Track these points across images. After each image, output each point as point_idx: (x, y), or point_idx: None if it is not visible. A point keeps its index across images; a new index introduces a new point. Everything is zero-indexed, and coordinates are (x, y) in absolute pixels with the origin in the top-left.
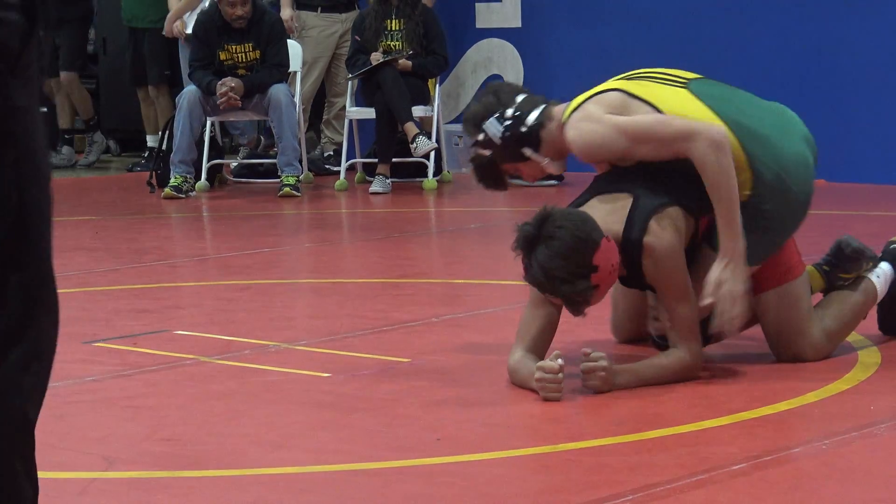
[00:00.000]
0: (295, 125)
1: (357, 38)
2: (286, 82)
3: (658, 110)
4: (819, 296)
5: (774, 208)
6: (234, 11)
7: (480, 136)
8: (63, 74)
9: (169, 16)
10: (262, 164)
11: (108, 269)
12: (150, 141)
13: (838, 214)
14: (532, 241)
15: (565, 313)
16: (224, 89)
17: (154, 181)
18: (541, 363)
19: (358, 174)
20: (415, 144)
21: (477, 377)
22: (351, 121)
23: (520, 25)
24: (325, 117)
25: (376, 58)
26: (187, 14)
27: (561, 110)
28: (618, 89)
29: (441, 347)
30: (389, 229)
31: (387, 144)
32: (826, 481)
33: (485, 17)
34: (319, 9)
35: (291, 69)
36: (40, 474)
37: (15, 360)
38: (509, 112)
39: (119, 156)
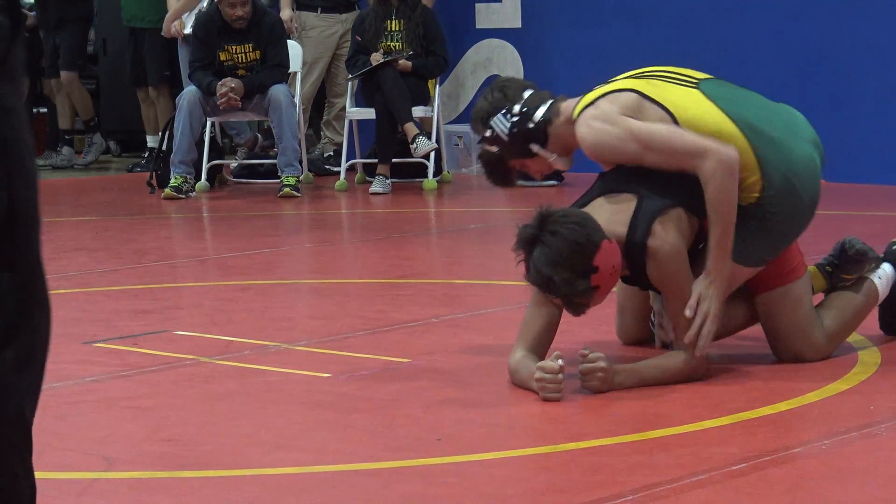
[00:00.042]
0: (295, 126)
1: (358, 38)
2: (286, 83)
3: (671, 114)
4: (820, 296)
5: (781, 211)
6: (234, 12)
7: (488, 133)
8: (63, 74)
9: (167, 16)
10: (262, 165)
11: (108, 270)
12: (151, 141)
13: (839, 215)
14: (532, 241)
15: (566, 313)
16: (224, 90)
17: (154, 182)
18: (541, 363)
19: (358, 175)
20: (415, 145)
21: (477, 377)
22: (351, 121)
23: (520, 26)
24: (325, 118)
25: (376, 58)
26: (186, 14)
27: (569, 106)
28: (632, 90)
29: (441, 348)
30: (389, 230)
31: (387, 145)
32: (826, 481)
33: (485, 17)
34: (319, 9)
35: (291, 70)
36: (40, 475)
37: (10, 361)
38: (516, 108)
39: (119, 156)
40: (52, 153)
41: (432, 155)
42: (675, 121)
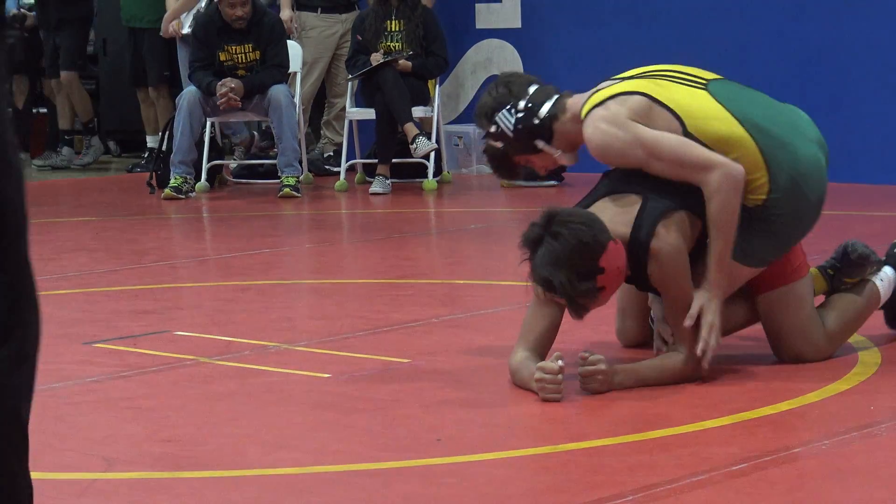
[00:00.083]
0: (295, 126)
1: (358, 37)
2: (286, 83)
3: (679, 118)
4: (821, 298)
5: (786, 213)
6: (234, 12)
7: (493, 129)
8: (63, 75)
9: (166, 16)
10: (262, 165)
11: (108, 270)
12: (150, 142)
13: (839, 215)
14: (538, 240)
15: (568, 314)
16: (224, 90)
17: (154, 182)
18: (541, 364)
19: (358, 175)
20: (415, 145)
21: (477, 378)
22: (351, 121)
23: (520, 26)
24: (325, 118)
25: (376, 58)
26: (184, 14)
27: (576, 103)
28: (642, 93)
29: (441, 348)
30: (389, 230)
31: (387, 145)
32: (826, 481)
33: (485, 17)
34: (319, 9)
35: (291, 70)
36: (41, 475)
37: (3, 361)
38: (521, 104)
39: (119, 156)
40: (51, 153)
41: (432, 155)
42: (683, 125)
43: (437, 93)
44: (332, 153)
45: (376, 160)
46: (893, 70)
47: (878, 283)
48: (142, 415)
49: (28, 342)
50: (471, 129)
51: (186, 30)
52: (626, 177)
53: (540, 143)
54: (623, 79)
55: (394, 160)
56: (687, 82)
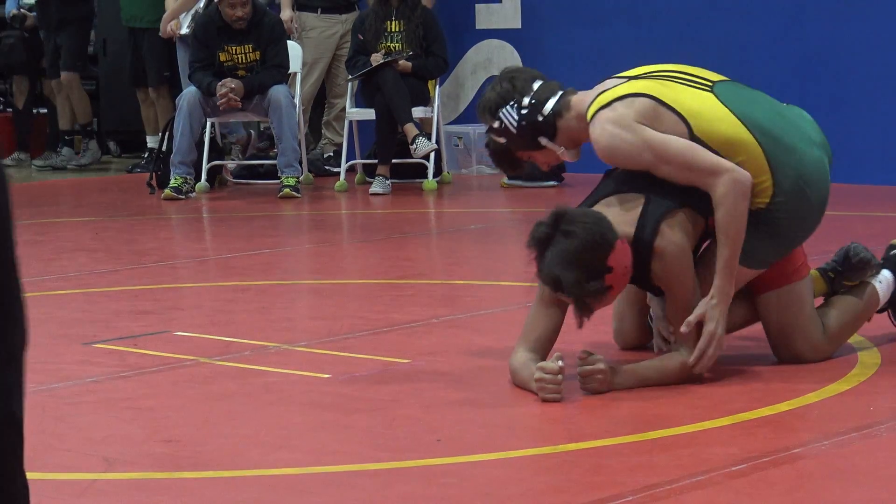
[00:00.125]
0: (295, 126)
1: (360, 36)
2: (286, 83)
3: (686, 121)
4: (820, 300)
5: (790, 216)
6: (234, 13)
7: (496, 124)
8: (64, 75)
9: (164, 16)
10: (262, 166)
11: (108, 271)
12: (150, 142)
13: (839, 215)
14: (546, 239)
15: (570, 314)
16: (224, 90)
17: (154, 182)
18: (541, 364)
19: (358, 175)
20: (415, 145)
21: (477, 378)
22: (351, 122)
23: (520, 26)
24: (325, 118)
25: (376, 59)
26: (182, 14)
27: (581, 101)
28: (649, 95)
29: (441, 348)
30: (389, 230)
31: (387, 145)
32: (826, 482)
33: (485, 18)
34: (319, 10)
35: (291, 70)
36: (41, 475)
37: None
38: (525, 100)
39: (119, 157)
40: (51, 154)
41: (432, 155)
42: (689, 128)
43: (437, 93)
44: (332, 153)
45: (376, 160)
46: (893, 70)
47: (877, 285)
48: (142, 415)
49: (15, 342)
50: (471, 130)
51: (185, 30)
52: (628, 177)
53: (543, 140)
54: (628, 78)
55: (394, 160)
56: (693, 84)
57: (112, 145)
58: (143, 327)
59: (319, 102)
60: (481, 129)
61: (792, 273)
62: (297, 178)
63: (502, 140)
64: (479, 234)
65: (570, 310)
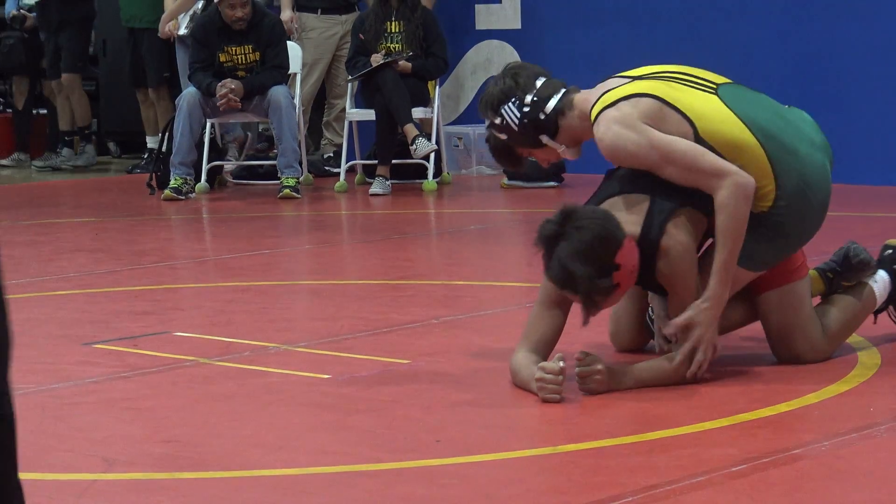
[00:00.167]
0: (295, 127)
1: (360, 36)
2: (286, 84)
3: (691, 122)
4: (817, 299)
5: (791, 219)
6: (234, 13)
7: (497, 120)
8: (65, 76)
9: (163, 16)
10: (261, 166)
11: (107, 271)
12: (150, 143)
13: (838, 216)
14: (554, 237)
15: (571, 315)
16: (224, 91)
17: (154, 183)
18: (542, 364)
19: (358, 176)
20: (414, 146)
21: (477, 379)
22: (351, 122)
23: (519, 27)
24: (325, 119)
25: (376, 59)
26: (181, 15)
27: (584, 100)
28: (653, 95)
29: (441, 349)
30: (389, 231)
31: (387, 146)
32: (826, 482)
33: (484, 18)
34: (319, 10)
35: (291, 71)
36: (41, 476)
37: None
38: (528, 98)
39: (119, 157)
40: (51, 154)
41: (432, 156)
42: (694, 129)
43: (436, 94)
44: (331, 154)
45: (376, 161)
46: (893, 70)
47: (873, 285)
48: (142, 415)
49: (4, 344)
50: (471, 131)
51: (183, 31)
52: (631, 177)
53: (544, 138)
54: (632, 78)
55: (394, 161)
56: (697, 86)
57: (112, 146)
58: (142, 328)
59: (319, 103)
60: (481, 129)
61: (792, 272)
62: (297, 178)
63: (503, 136)
64: (479, 234)
65: (572, 312)
